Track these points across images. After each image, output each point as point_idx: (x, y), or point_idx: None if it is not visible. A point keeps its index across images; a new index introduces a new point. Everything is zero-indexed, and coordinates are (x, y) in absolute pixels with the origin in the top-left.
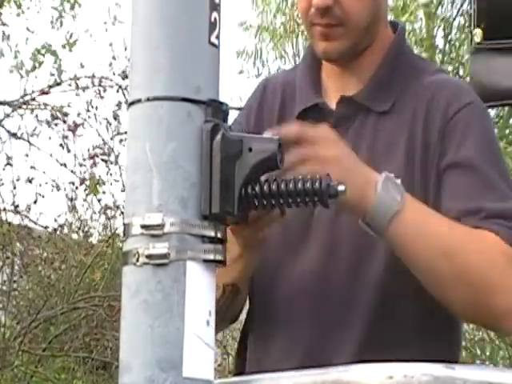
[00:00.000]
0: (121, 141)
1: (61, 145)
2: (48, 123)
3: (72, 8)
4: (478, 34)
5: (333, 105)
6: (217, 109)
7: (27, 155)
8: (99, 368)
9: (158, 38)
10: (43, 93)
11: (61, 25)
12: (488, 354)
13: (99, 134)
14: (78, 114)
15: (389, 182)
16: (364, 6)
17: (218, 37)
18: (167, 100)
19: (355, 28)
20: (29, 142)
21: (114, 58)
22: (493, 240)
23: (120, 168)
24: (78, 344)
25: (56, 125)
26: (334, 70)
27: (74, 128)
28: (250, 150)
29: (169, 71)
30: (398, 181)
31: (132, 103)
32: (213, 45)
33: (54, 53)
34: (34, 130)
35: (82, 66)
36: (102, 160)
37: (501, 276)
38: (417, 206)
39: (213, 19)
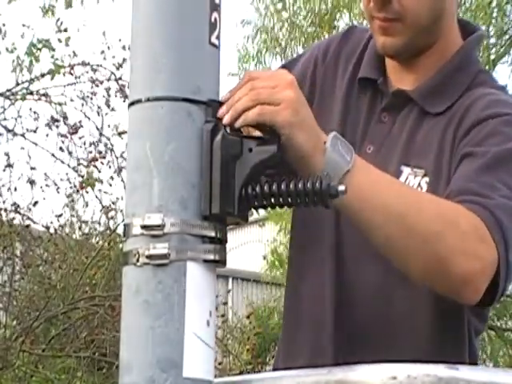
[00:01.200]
0: (120, 134)
1: (61, 148)
2: (48, 125)
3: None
4: None
5: (389, 89)
6: (217, 109)
7: (23, 148)
8: (100, 368)
9: (158, 39)
10: (37, 78)
11: (52, 14)
12: (489, 353)
13: (97, 128)
14: (72, 100)
15: (338, 140)
16: (424, 3)
17: (218, 37)
18: (167, 100)
19: (414, 25)
20: (26, 138)
21: (107, 46)
22: (461, 209)
23: (117, 159)
24: (78, 344)
25: (57, 127)
26: (395, 64)
27: (73, 131)
28: (250, 150)
29: (169, 71)
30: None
31: (132, 103)
32: (213, 45)
33: (50, 47)
34: (35, 129)
35: (75, 55)
36: (101, 159)
37: (462, 240)
38: (367, 166)
39: (213, 19)
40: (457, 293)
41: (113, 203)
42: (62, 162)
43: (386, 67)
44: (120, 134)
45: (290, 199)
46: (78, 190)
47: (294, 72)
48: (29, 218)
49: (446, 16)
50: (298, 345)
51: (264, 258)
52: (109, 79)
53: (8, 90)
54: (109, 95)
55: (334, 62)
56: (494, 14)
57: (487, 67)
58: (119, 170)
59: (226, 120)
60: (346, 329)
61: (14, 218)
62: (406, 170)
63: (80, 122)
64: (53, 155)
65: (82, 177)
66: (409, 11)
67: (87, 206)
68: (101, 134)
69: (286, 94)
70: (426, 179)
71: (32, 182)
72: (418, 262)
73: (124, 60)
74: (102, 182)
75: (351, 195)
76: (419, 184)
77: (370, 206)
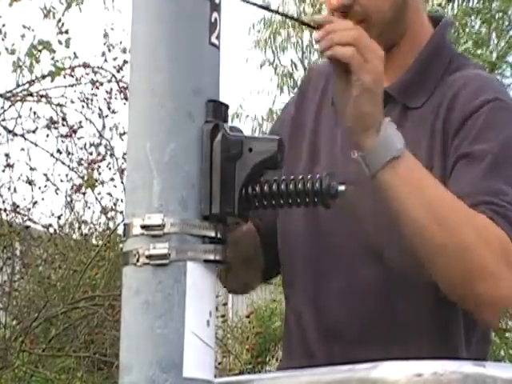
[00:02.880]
0: (121, 135)
1: (58, 150)
2: (47, 127)
3: (68, 7)
4: None
5: None
6: (217, 109)
7: (23, 149)
8: (100, 368)
9: (158, 39)
10: (37, 79)
11: (53, 16)
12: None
13: (98, 131)
14: (72, 102)
15: (393, 127)
16: (381, 1)
17: (218, 37)
18: (167, 100)
19: (379, 22)
20: (26, 139)
21: (108, 48)
22: (488, 222)
23: (117, 160)
24: (78, 344)
25: (56, 128)
26: None
27: (71, 132)
28: (251, 150)
29: (169, 71)
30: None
31: (132, 103)
32: (213, 45)
33: (50, 49)
34: (34, 130)
35: (76, 57)
36: (102, 161)
37: (494, 261)
38: (414, 162)
39: (213, 19)
40: (479, 314)
41: (114, 204)
42: (63, 163)
43: None
44: (120, 135)
45: (290, 199)
46: (76, 191)
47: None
48: (29, 219)
49: (409, 7)
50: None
51: None
52: (110, 81)
53: (8, 92)
54: (110, 97)
55: (301, 100)
56: None
57: None
58: (121, 171)
59: (320, 46)
60: (346, 335)
61: (13, 218)
62: None
63: (80, 122)
64: (52, 155)
65: (82, 178)
66: (371, 10)
67: (88, 206)
68: (100, 135)
69: (376, 63)
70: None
71: (31, 183)
72: (446, 276)
73: (125, 62)
74: (102, 183)
75: (396, 182)
76: None
77: (414, 202)
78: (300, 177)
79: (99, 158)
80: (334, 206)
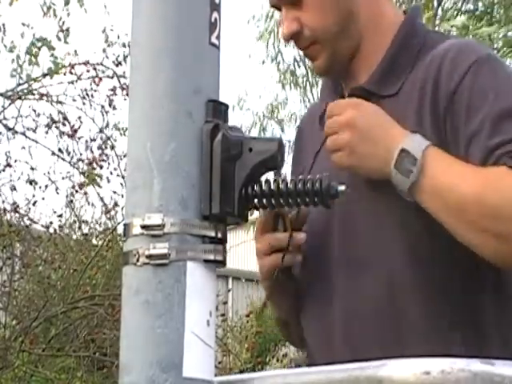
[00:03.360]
0: (120, 131)
1: (59, 149)
2: (48, 126)
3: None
4: None
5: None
6: (217, 109)
7: (24, 147)
8: (100, 368)
9: (158, 39)
10: (38, 79)
11: (54, 13)
12: None
13: (100, 130)
14: (74, 100)
15: (404, 156)
16: (326, 15)
17: (218, 37)
18: (168, 100)
19: (327, 40)
20: (26, 136)
21: (108, 44)
22: (504, 173)
23: (118, 157)
24: (78, 343)
25: (57, 127)
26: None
27: (72, 133)
28: (250, 150)
29: (169, 71)
30: (417, 139)
31: (132, 104)
32: (213, 45)
33: (50, 46)
34: (35, 128)
35: (76, 54)
36: (102, 160)
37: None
38: (435, 167)
39: (213, 19)
40: None
41: (116, 204)
42: (63, 160)
43: (341, 83)
44: (122, 130)
45: (290, 199)
46: (77, 191)
47: None
48: (29, 219)
49: (360, 8)
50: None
51: None
52: (112, 77)
53: (8, 91)
54: (112, 94)
55: (300, 139)
56: None
57: None
58: (124, 169)
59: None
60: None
61: (13, 218)
62: None
63: (80, 117)
64: (53, 153)
65: (84, 174)
66: (317, 30)
67: (90, 204)
68: (101, 131)
69: (342, 137)
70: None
71: (32, 182)
72: (490, 242)
73: (125, 57)
74: (101, 178)
75: (419, 198)
76: None
77: (437, 207)
78: (300, 177)
79: (99, 153)
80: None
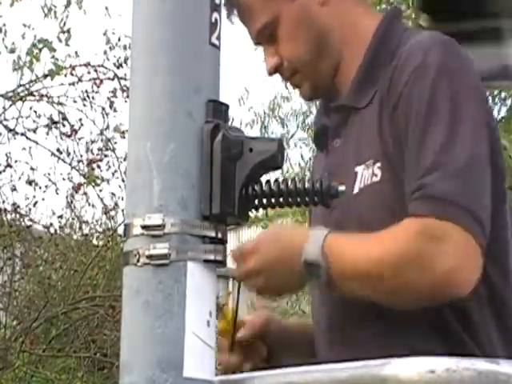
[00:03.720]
0: (122, 132)
1: (58, 150)
2: (48, 126)
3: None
4: (424, 18)
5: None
6: (217, 109)
7: (24, 148)
8: (100, 368)
9: (158, 39)
10: (39, 79)
11: (55, 15)
12: None
13: (101, 132)
14: (75, 102)
15: (309, 267)
16: (299, 44)
17: (218, 37)
18: (167, 100)
19: (306, 66)
20: (27, 137)
21: (109, 46)
22: (404, 228)
23: (118, 159)
24: (78, 344)
25: (56, 128)
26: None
27: (72, 132)
28: (251, 150)
29: (169, 71)
30: (312, 243)
31: (133, 104)
32: (213, 45)
33: (51, 47)
34: (35, 129)
35: (77, 55)
36: (101, 160)
37: (417, 257)
38: (337, 261)
39: (213, 20)
40: (443, 297)
41: (116, 204)
42: (64, 162)
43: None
44: (122, 132)
45: (290, 199)
46: (76, 191)
47: None
48: (30, 220)
49: (334, 25)
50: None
51: None
52: (113, 79)
53: (9, 92)
54: (112, 96)
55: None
56: None
57: None
58: (124, 170)
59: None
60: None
61: (14, 219)
62: (360, 169)
63: (80, 119)
64: (53, 154)
65: (84, 175)
66: (293, 61)
67: (90, 205)
68: (102, 133)
69: (255, 283)
70: (378, 164)
71: (31, 182)
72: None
73: (126, 59)
74: (102, 179)
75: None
76: (373, 173)
77: (350, 289)
78: (300, 177)
79: (99, 156)
80: None
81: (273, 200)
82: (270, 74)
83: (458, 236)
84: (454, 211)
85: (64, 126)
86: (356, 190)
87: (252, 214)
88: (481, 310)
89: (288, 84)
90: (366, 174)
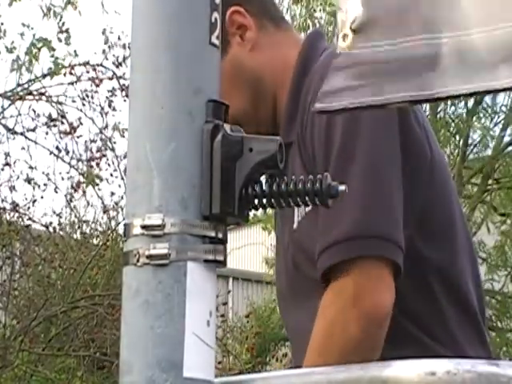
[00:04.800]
0: (120, 132)
1: (57, 147)
2: (46, 124)
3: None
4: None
5: None
6: (217, 109)
7: (23, 148)
8: (100, 367)
9: (158, 39)
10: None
11: (53, 14)
12: None
13: (100, 131)
14: (74, 101)
15: None
16: (235, 99)
17: (218, 37)
18: (167, 100)
19: (247, 119)
20: (26, 137)
21: (108, 46)
22: (322, 311)
23: (117, 158)
24: (78, 343)
25: (55, 126)
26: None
27: (71, 129)
28: (251, 150)
29: (169, 71)
30: None
31: (132, 104)
32: (213, 45)
33: (50, 47)
34: (34, 128)
35: (76, 55)
36: (101, 158)
37: (342, 331)
38: None
39: (213, 19)
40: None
41: (116, 204)
42: (63, 161)
43: None
44: (122, 132)
45: (290, 199)
46: (75, 190)
47: None
48: (29, 218)
49: (264, 66)
50: None
51: (266, 261)
52: (111, 78)
53: (9, 91)
54: (111, 95)
55: None
56: None
57: None
58: (124, 170)
59: None
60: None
61: (13, 217)
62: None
63: (80, 118)
64: (52, 153)
65: (83, 175)
66: (235, 115)
67: (90, 204)
68: (101, 132)
69: None
70: None
71: (30, 181)
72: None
73: (125, 58)
74: (101, 179)
75: None
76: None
77: None
78: (300, 177)
79: (98, 154)
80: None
81: (273, 200)
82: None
83: (357, 276)
84: (351, 248)
85: (63, 123)
86: (295, 225)
87: (252, 214)
88: (436, 308)
89: None
90: (302, 208)
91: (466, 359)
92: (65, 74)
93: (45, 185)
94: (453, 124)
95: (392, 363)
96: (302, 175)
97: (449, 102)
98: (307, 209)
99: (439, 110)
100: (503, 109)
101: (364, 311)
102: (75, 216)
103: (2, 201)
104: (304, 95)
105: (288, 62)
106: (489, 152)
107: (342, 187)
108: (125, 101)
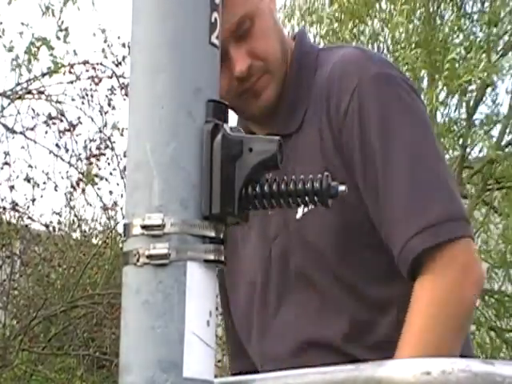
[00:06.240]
0: (119, 131)
1: (57, 145)
2: (46, 123)
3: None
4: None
5: None
6: (217, 109)
7: (23, 147)
8: (100, 367)
9: (158, 39)
10: (37, 77)
11: (52, 13)
12: (489, 353)
13: (100, 130)
14: (73, 100)
15: None
16: (273, 42)
17: (218, 37)
18: (167, 100)
19: (276, 65)
20: (25, 136)
21: (108, 45)
22: (428, 286)
23: (117, 157)
24: (78, 342)
25: (54, 124)
26: (256, 119)
27: (70, 128)
28: (251, 150)
29: (169, 71)
30: None
31: (132, 103)
32: (213, 45)
33: (49, 45)
34: (33, 127)
35: (76, 54)
36: (100, 156)
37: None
38: None
39: (213, 19)
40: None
41: (115, 203)
42: (62, 160)
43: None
44: (121, 131)
45: (290, 199)
46: (75, 188)
47: None
48: (29, 217)
49: (284, 36)
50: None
51: None
52: (111, 77)
53: (8, 90)
54: (111, 94)
55: None
56: None
57: None
58: (123, 169)
59: None
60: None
61: (12, 217)
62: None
63: (79, 118)
64: (51, 152)
65: (82, 173)
66: (269, 59)
67: (89, 204)
68: (100, 131)
69: None
70: None
71: (30, 180)
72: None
73: (124, 58)
74: (101, 178)
75: None
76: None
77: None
78: (300, 177)
79: (98, 152)
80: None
81: (273, 200)
82: (244, 74)
83: (456, 256)
84: (442, 233)
85: (62, 121)
86: (299, 215)
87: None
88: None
89: (246, 90)
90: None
91: (461, 358)
92: (64, 73)
93: (44, 183)
94: (455, 127)
95: (387, 363)
96: (317, 165)
97: (452, 108)
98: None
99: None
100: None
101: (475, 280)
102: (75, 215)
103: (2, 200)
104: (308, 87)
105: (286, 45)
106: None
107: (342, 187)
108: (124, 99)
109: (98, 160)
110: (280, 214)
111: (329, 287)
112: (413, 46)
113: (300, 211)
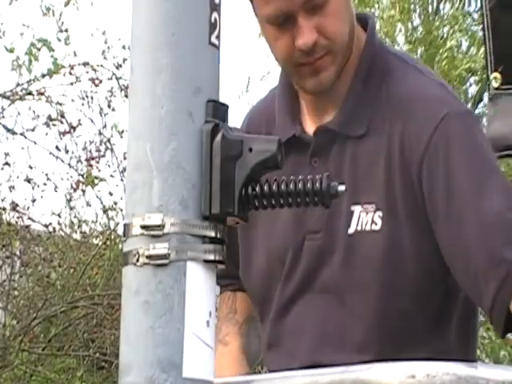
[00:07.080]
0: (119, 133)
1: (57, 147)
2: (46, 124)
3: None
4: (495, 78)
5: (311, 133)
6: (217, 109)
7: (23, 148)
8: (100, 368)
9: (158, 39)
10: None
11: (53, 14)
12: (489, 353)
13: (100, 132)
14: (73, 101)
15: None
16: (345, 23)
17: (218, 37)
18: (167, 100)
19: (341, 49)
20: (25, 137)
21: (108, 46)
22: None
23: (117, 159)
24: (78, 343)
25: (54, 125)
26: (311, 100)
27: (70, 130)
28: (251, 150)
29: (169, 72)
30: None
31: (132, 104)
32: (213, 45)
33: (49, 47)
34: (34, 128)
35: (76, 55)
36: (101, 158)
37: None
38: None
39: (213, 20)
40: None
41: (115, 203)
42: (62, 161)
43: (301, 113)
44: (120, 133)
45: (290, 199)
46: (75, 189)
47: None
48: (29, 218)
49: (353, 20)
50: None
51: None
52: (111, 78)
53: (8, 92)
54: (110, 95)
55: None
56: None
57: None
58: (123, 169)
59: None
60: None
61: (12, 217)
62: (357, 209)
63: (79, 120)
64: (51, 153)
65: (82, 175)
66: (336, 39)
67: (88, 205)
68: (100, 134)
69: None
70: (379, 213)
71: (30, 180)
72: None
73: (124, 60)
74: (101, 179)
75: None
76: (372, 220)
77: None
78: (300, 177)
79: (97, 154)
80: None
81: (272, 200)
82: (309, 48)
83: None
84: None
85: (62, 123)
86: (352, 231)
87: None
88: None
89: (306, 65)
90: (365, 219)
91: (445, 362)
92: (64, 74)
93: (44, 184)
94: None
95: (373, 366)
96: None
97: None
98: (373, 226)
99: None
100: None
101: None
102: (75, 216)
103: (2, 200)
104: (375, 94)
105: (358, 32)
106: None
107: (342, 187)
108: (124, 101)
109: (97, 162)
110: (332, 214)
111: (359, 306)
112: (410, 43)
113: (353, 226)
